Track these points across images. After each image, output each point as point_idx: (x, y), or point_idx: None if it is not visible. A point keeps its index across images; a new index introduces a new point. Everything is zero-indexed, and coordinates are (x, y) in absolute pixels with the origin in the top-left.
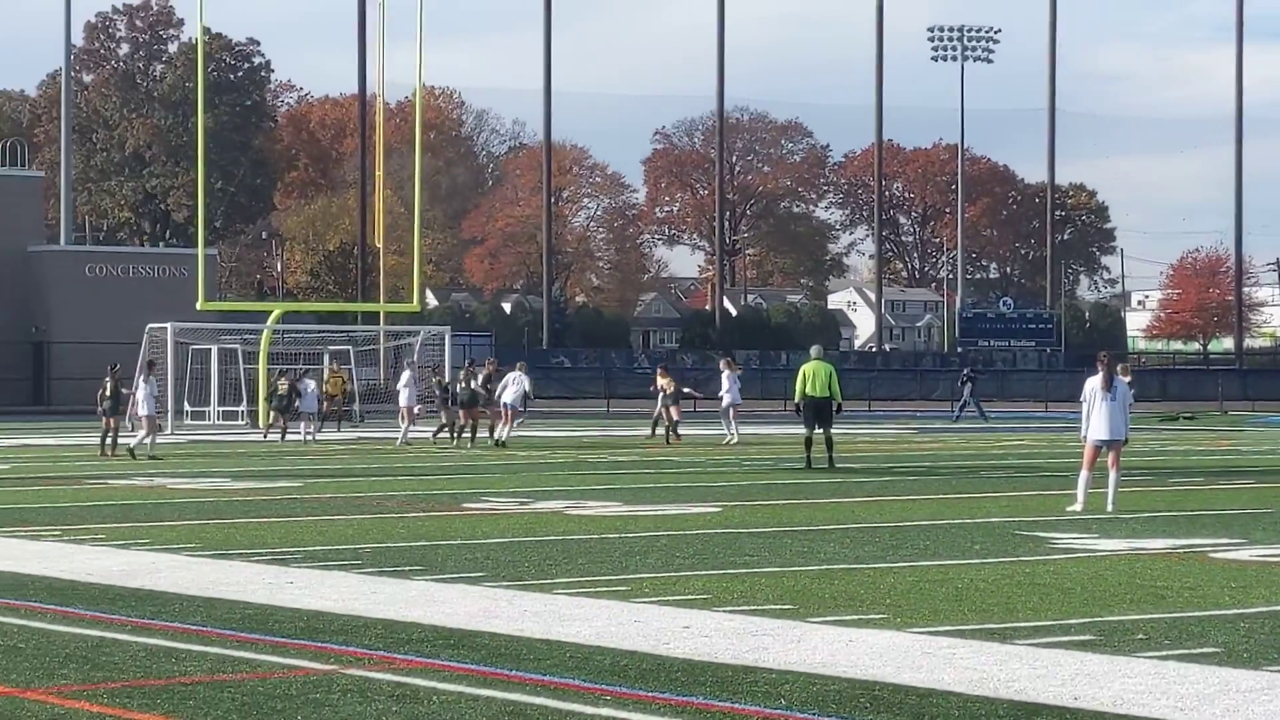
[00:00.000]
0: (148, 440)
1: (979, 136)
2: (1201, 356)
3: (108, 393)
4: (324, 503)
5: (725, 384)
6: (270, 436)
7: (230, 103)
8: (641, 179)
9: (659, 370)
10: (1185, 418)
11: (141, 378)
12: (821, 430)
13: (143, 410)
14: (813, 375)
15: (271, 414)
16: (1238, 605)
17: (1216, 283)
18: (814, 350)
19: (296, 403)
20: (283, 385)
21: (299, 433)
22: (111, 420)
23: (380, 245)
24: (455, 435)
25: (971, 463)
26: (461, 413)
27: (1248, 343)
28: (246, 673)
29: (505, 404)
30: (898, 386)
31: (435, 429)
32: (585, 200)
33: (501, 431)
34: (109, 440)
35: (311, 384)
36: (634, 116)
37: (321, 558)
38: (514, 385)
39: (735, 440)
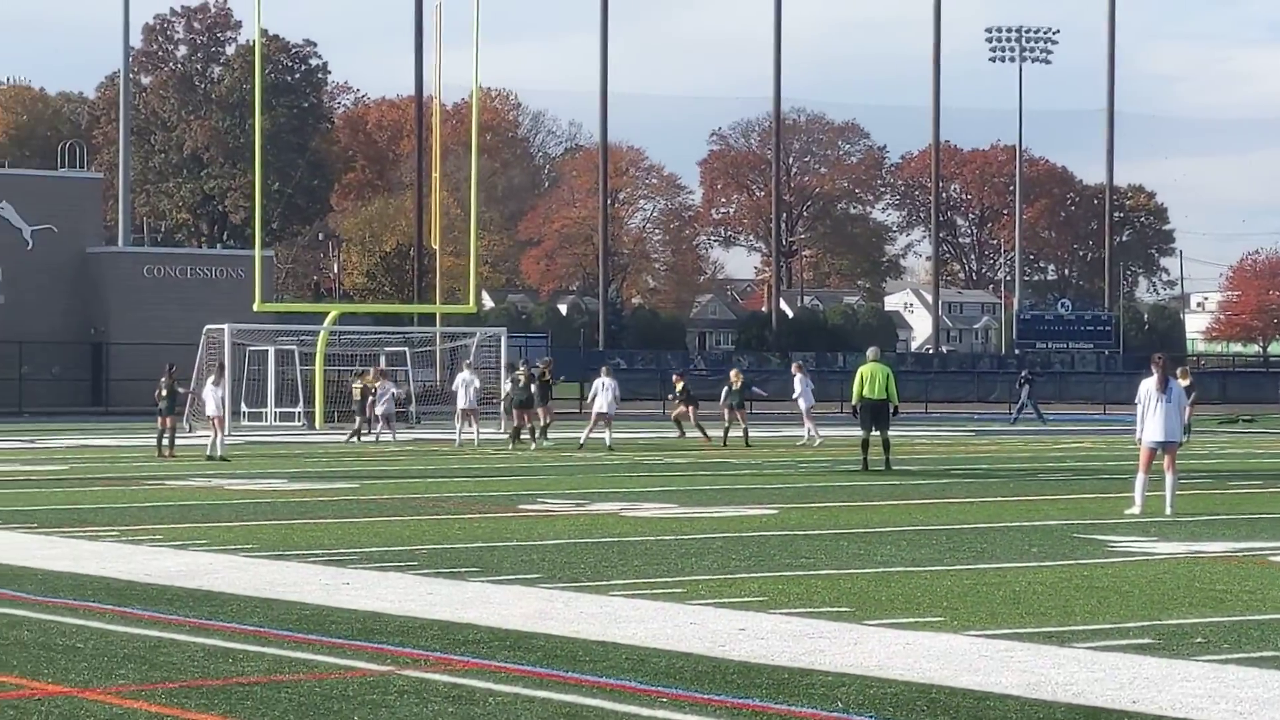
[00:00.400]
0: (217, 440)
1: (1037, 137)
2: (1261, 359)
3: (164, 392)
4: (380, 504)
5: (798, 387)
6: (363, 439)
7: (287, 104)
8: (698, 180)
9: (675, 375)
10: (1245, 420)
11: (211, 379)
12: (879, 432)
13: (211, 411)
14: (870, 377)
15: (357, 418)
16: None
17: (1277, 284)
18: (871, 352)
19: (374, 401)
20: (356, 388)
21: (370, 434)
22: (168, 420)
23: (436, 247)
24: (513, 437)
25: (1029, 465)
26: (516, 413)
27: None
28: (303, 673)
29: (599, 412)
30: (955, 388)
31: (511, 433)
32: (641, 201)
33: (607, 436)
34: (165, 440)
35: (390, 386)
36: (690, 117)
37: (378, 559)
38: (604, 392)
39: (819, 442)
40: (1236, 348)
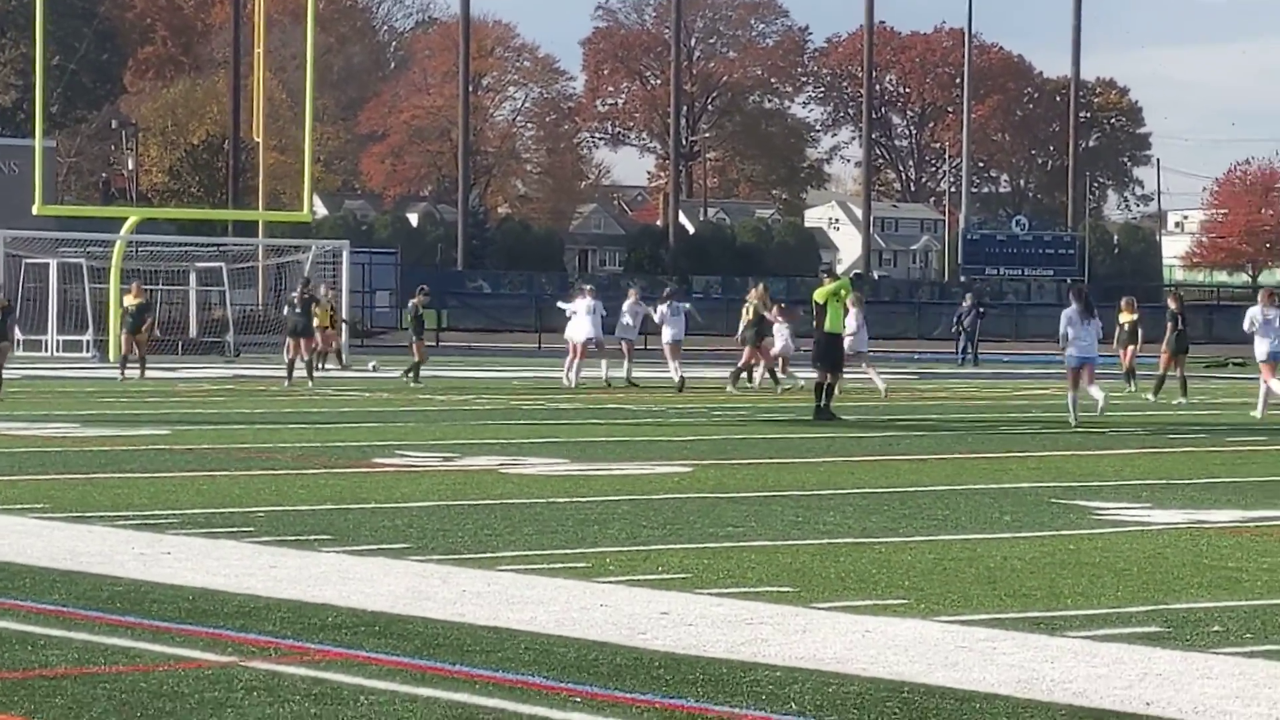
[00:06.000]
0: None
1: (990, 20)
2: (1251, 290)
3: None
4: (200, 455)
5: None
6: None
7: None
8: (580, 64)
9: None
10: (1235, 363)
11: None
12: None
13: None
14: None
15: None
16: None
17: (1270, 201)
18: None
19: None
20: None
21: None
22: None
23: (259, 140)
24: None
25: (988, 415)
26: (294, 341)
27: None
28: (123, 664)
29: (623, 339)
30: (890, 322)
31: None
32: (510, 89)
33: (626, 368)
34: None
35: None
36: None
37: (204, 523)
38: (630, 316)
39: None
40: (1221, 277)
